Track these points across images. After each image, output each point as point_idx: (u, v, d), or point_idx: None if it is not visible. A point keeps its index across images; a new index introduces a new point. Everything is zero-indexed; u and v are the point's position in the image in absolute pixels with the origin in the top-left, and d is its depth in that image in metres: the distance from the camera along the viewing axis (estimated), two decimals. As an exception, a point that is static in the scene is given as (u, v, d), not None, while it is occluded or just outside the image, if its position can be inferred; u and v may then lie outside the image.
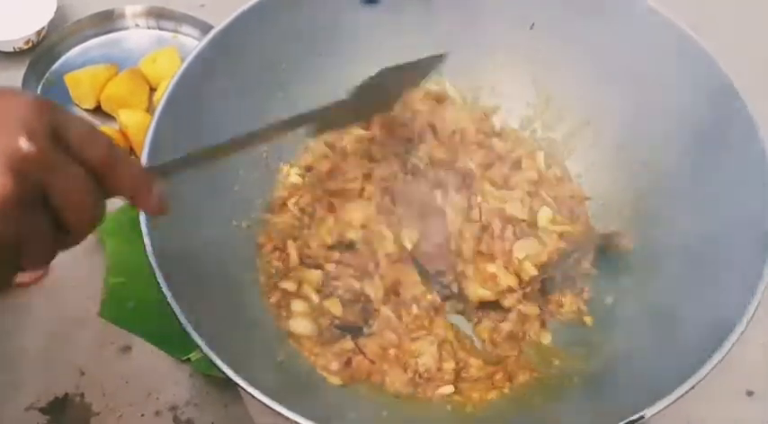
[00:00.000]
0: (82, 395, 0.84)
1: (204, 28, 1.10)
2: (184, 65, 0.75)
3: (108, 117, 1.05)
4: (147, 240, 0.67)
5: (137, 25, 1.14)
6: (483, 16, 0.85)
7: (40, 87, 1.08)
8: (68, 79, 1.06)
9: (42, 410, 0.83)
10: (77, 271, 0.92)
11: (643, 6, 0.79)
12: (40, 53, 1.09)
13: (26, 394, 0.84)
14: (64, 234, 0.48)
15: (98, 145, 0.48)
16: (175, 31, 1.13)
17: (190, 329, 0.62)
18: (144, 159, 0.70)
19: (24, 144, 0.43)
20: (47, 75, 1.09)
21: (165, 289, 0.64)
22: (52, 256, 0.48)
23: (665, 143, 0.80)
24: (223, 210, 0.81)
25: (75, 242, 0.49)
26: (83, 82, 1.05)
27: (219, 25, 0.78)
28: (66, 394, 0.84)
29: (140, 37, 1.13)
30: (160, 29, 1.14)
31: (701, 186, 0.76)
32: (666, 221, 0.79)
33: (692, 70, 0.76)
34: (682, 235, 0.76)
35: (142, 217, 0.67)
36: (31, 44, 1.10)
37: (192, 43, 1.10)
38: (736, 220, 0.70)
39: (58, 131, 0.46)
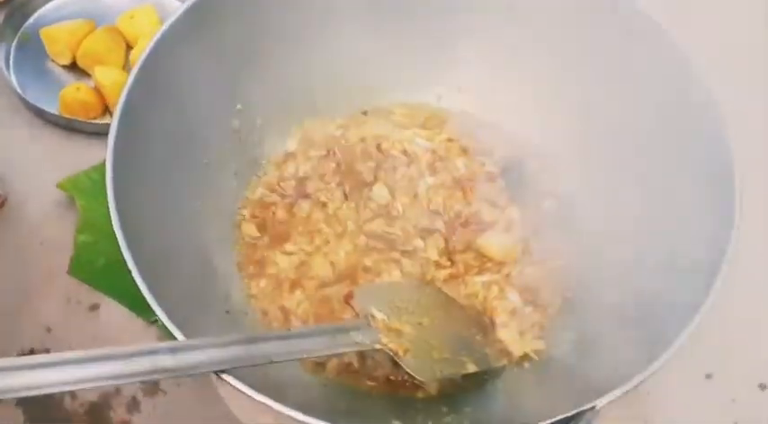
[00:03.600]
0: (47, 351, 0.84)
1: (184, -13, 1.09)
2: (163, 28, 0.75)
3: (84, 73, 1.05)
4: (110, 196, 0.66)
5: (115, -20, 1.13)
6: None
7: (14, 42, 1.07)
8: (44, 34, 1.05)
9: (7, 366, 0.83)
10: (49, 228, 0.92)
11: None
12: (15, 6, 1.08)
13: (-9, 349, 0.84)
14: None
15: None
16: (155, -12, 1.12)
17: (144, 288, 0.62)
18: (115, 120, 0.70)
19: None
20: (22, 29, 1.08)
21: (123, 248, 0.63)
22: None
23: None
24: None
25: None
26: (59, 37, 1.04)
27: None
28: (32, 350, 0.84)
29: (119, -8, 1.13)
30: (139, -15, 1.13)
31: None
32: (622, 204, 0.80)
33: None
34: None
35: (108, 176, 0.67)
36: (5, -3, 1.08)
37: (171, 1, 1.09)
38: (694, 202, 0.71)
39: None
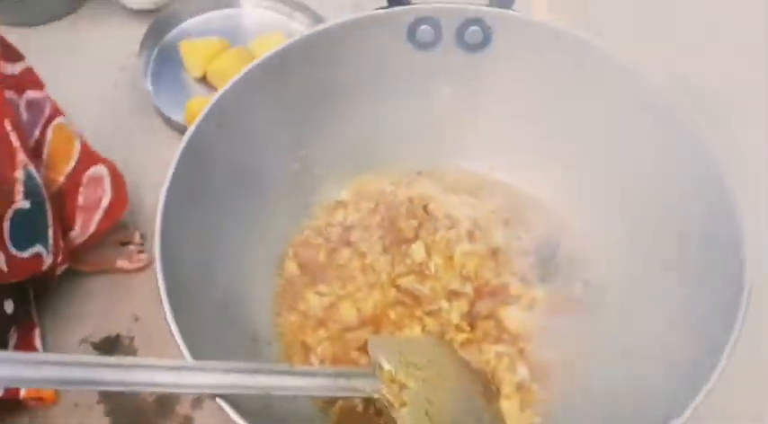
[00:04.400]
0: (132, 339, 0.90)
1: (315, 18, 1.15)
2: (243, 70, 0.80)
3: (212, 88, 1.11)
4: (160, 214, 0.71)
5: (255, 5, 1.20)
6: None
7: (156, 49, 1.16)
8: (183, 46, 1.13)
9: (94, 345, 0.90)
10: (151, 226, 0.99)
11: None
12: (162, 16, 1.17)
13: (83, 329, 0.91)
14: None
15: None
16: (290, 16, 1.19)
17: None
18: (183, 144, 0.75)
19: None
20: (165, 38, 1.17)
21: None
22: None
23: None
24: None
25: None
26: (195, 51, 1.11)
27: (294, 38, 0.84)
28: (119, 335, 0.91)
29: (256, 16, 1.20)
30: (276, 11, 1.20)
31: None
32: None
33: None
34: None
35: (162, 195, 0.72)
36: (156, 6, 1.18)
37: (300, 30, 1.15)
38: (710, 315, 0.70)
39: None
